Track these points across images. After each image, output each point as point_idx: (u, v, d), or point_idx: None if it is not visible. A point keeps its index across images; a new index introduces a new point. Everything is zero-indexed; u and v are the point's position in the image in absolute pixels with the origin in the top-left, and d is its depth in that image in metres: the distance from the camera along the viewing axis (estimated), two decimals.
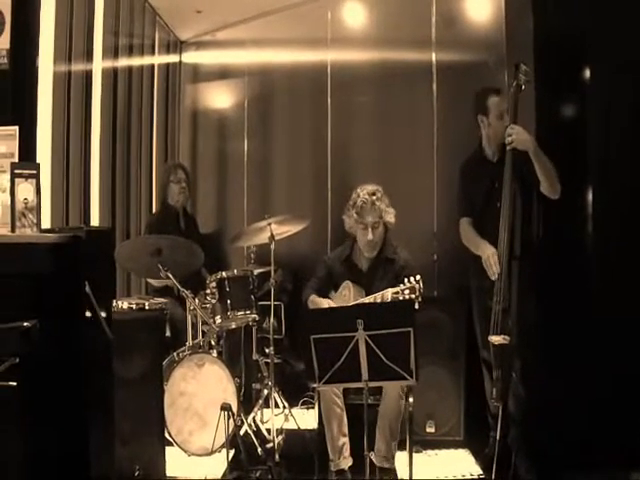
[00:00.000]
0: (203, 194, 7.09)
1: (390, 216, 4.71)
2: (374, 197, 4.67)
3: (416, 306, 4.18)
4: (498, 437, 4.28)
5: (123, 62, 6.04)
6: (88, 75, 5.33)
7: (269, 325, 5.21)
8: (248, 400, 5.45)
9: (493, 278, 4.38)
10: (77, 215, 5.14)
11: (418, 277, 4.30)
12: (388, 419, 4.37)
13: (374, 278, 4.72)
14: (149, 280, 5.57)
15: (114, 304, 4.18)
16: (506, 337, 4.20)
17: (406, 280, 4.34)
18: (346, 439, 4.44)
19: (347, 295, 4.65)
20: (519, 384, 4.44)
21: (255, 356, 5.55)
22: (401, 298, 4.27)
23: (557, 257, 4.68)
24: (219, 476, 4.57)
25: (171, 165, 6.29)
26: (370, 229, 4.65)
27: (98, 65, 5.55)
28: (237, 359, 5.54)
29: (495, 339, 4.24)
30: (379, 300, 4.41)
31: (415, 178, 6.37)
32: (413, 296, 4.26)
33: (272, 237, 5.02)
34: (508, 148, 4.38)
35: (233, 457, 4.55)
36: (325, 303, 4.71)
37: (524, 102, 4.47)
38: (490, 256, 4.43)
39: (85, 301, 3.24)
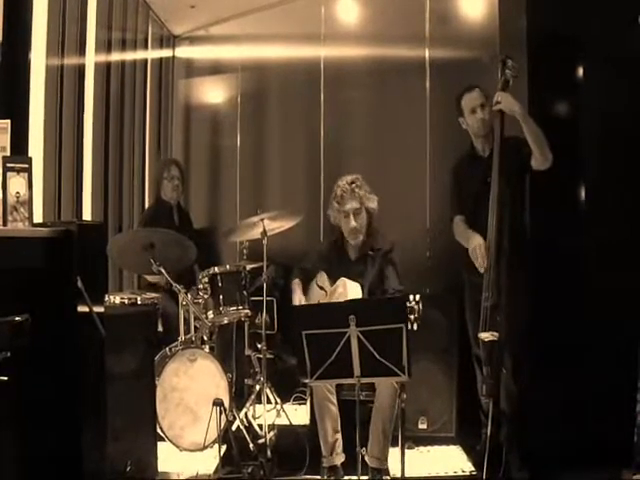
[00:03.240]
0: (196, 189, 7.07)
1: (372, 202, 4.77)
2: (353, 185, 4.74)
3: (414, 327, 4.16)
4: (489, 434, 4.28)
5: (116, 56, 6.02)
6: (81, 69, 5.32)
7: (261, 321, 5.20)
8: (240, 396, 5.44)
9: (481, 270, 4.38)
10: (69, 209, 5.13)
11: (418, 297, 4.26)
12: (382, 419, 4.35)
13: (365, 266, 4.76)
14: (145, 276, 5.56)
15: (106, 299, 4.17)
16: (494, 333, 4.19)
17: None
18: (339, 435, 4.44)
19: (343, 292, 4.63)
20: (510, 381, 4.44)
21: (247, 352, 5.55)
22: None
23: (548, 252, 4.69)
24: (211, 471, 4.56)
25: (165, 161, 6.29)
26: (352, 216, 4.71)
27: (91, 59, 5.53)
28: (229, 354, 5.52)
29: (484, 335, 4.23)
30: None
31: (408, 174, 6.36)
32: (412, 317, 4.22)
33: (265, 232, 5.00)
34: (494, 108, 4.42)
35: (225, 453, 4.53)
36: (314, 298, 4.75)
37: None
38: (477, 247, 4.42)
39: (77, 295, 3.24)
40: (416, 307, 4.19)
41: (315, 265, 4.94)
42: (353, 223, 4.71)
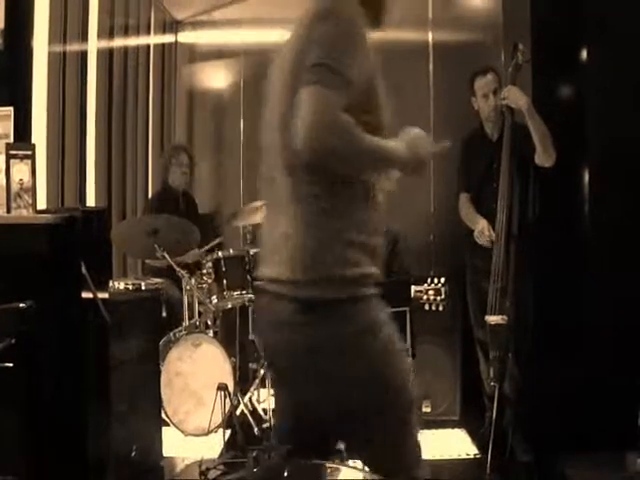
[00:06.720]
0: (199, 174, 7.05)
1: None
2: None
3: (440, 308, 4.18)
4: (494, 417, 4.29)
5: (119, 42, 6.01)
6: (83, 55, 5.31)
7: None
8: (244, 380, 5.44)
9: (489, 245, 4.38)
10: (73, 196, 5.13)
11: (443, 280, 4.26)
12: None
13: None
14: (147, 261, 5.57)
15: (110, 285, 4.17)
16: (504, 317, 4.20)
17: (429, 280, 4.29)
18: None
19: None
20: (515, 364, 4.45)
21: (251, 336, 5.55)
22: (424, 298, 4.24)
23: (555, 237, 4.69)
24: (215, 456, 4.57)
25: (175, 147, 6.24)
26: None
27: (93, 45, 5.52)
28: (233, 339, 5.53)
29: (492, 319, 4.23)
30: None
31: None
32: (439, 298, 4.22)
33: None
34: (502, 103, 4.43)
35: (229, 437, 4.56)
36: None
37: (521, 83, 4.46)
38: (484, 227, 4.44)
39: (81, 282, 3.24)
40: (442, 289, 4.20)
41: None
42: None
